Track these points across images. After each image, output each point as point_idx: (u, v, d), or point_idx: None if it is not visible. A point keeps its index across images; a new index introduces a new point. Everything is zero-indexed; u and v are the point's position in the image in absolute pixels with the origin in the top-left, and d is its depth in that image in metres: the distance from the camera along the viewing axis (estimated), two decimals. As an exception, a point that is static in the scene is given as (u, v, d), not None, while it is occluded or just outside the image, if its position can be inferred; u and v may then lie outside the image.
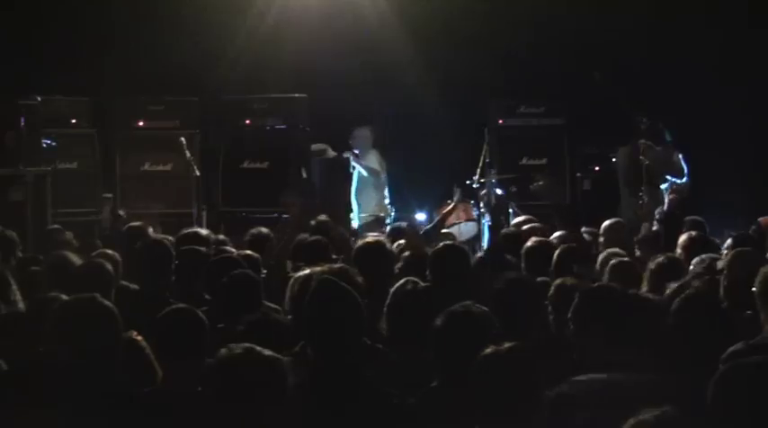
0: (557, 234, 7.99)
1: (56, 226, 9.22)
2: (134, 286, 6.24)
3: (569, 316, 4.30)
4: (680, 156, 11.35)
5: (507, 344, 3.69)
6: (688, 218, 8.79)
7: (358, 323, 4.10)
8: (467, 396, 3.72)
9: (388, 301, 4.94)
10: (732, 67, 12.06)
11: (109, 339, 4.11)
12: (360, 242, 6.62)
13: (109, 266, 5.86)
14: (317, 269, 5.48)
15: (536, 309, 4.98)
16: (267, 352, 3.44)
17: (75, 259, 6.32)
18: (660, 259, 5.90)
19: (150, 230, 7.94)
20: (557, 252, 6.43)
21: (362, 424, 3.91)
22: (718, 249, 6.93)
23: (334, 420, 3.88)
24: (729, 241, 7.37)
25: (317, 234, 7.65)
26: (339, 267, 4.92)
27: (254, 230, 8.04)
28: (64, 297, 4.69)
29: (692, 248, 6.81)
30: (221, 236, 8.31)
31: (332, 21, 12.60)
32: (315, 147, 11.99)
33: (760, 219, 9.06)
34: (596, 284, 4.75)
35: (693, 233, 7.30)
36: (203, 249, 6.91)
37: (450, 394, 3.97)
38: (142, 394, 4.15)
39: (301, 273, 5.99)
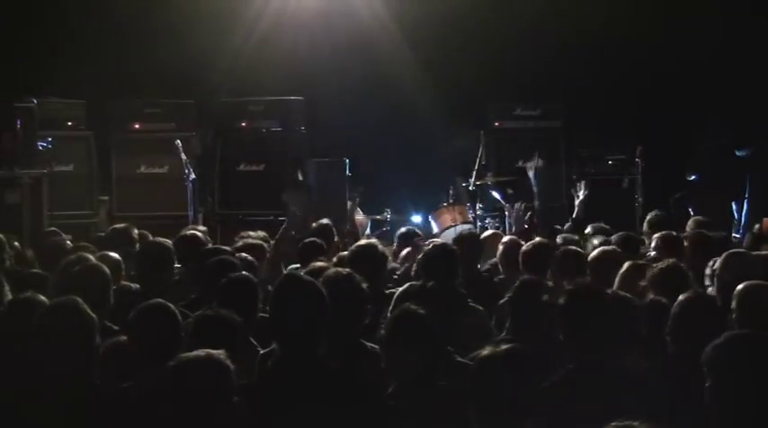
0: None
1: (52, 228, 9.20)
2: (135, 286, 6.27)
3: (557, 316, 4.33)
4: None
5: (505, 346, 3.71)
6: (695, 217, 8.80)
7: (318, 318, 4.14)
8: (422, 403, 3.76)
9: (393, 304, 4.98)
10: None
11: (83, 343, 4.17)
12: (353, 245, 6.64)
13: (105, 268, 5.88)
14: (318, 264, 5.50)
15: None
16: (216, 355, 3.61)
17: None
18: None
19: (135, 231, 7.94)
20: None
21: (323, 416, 3.94)
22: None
23: (294, 412, 3.92)
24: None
25: (319, 236, 7.66)
26: (347, 272, 4.93)
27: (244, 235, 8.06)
28: (42, 297, 4.72)
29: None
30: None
31: (328, 23, 12.62)
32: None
33: (766, 219, 9.12)
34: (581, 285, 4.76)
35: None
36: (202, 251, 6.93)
37: (404, 401, 4.03)
38: (110, 393, 4.20)
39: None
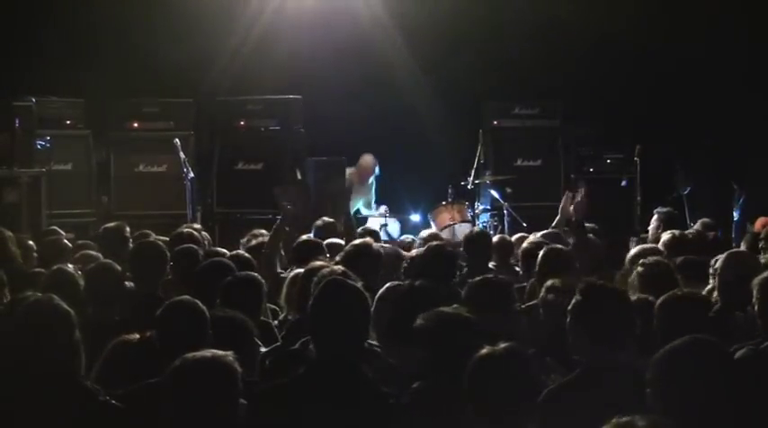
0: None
1: (52, 227, 9.20)
2: (129, 284, 6.27)
3: (568, 311, 4.30)
4: None
5: (503, 345, 3.71)
6: (702, 220, 8.82)
7: (363, 322, 4.14)
8: (457, 395, 3.75)
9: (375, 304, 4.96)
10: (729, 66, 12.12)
11: (63, 340, 4.12)
12: (348, 244, 6.64)
13: (116, 266, 5.90)
14: (317, 263, 5.49)
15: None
16: (221, 356, 3.55)
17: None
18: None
19: (128, 230, 7.92)
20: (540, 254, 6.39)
21: (358, 421, 3.92)
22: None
23: (331, 415, 3.90)
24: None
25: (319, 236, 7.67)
26: (342, 270, 4.93)
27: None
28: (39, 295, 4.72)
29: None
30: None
31: (326, 22, 12.61)
32: None
33: (759, 219, 9.12)
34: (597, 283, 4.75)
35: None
36: (199, 249, 6.93)
37: (441, 392, 3.98)
38: (101, 394, 4.14)
39: (297, 271, 6.01)
